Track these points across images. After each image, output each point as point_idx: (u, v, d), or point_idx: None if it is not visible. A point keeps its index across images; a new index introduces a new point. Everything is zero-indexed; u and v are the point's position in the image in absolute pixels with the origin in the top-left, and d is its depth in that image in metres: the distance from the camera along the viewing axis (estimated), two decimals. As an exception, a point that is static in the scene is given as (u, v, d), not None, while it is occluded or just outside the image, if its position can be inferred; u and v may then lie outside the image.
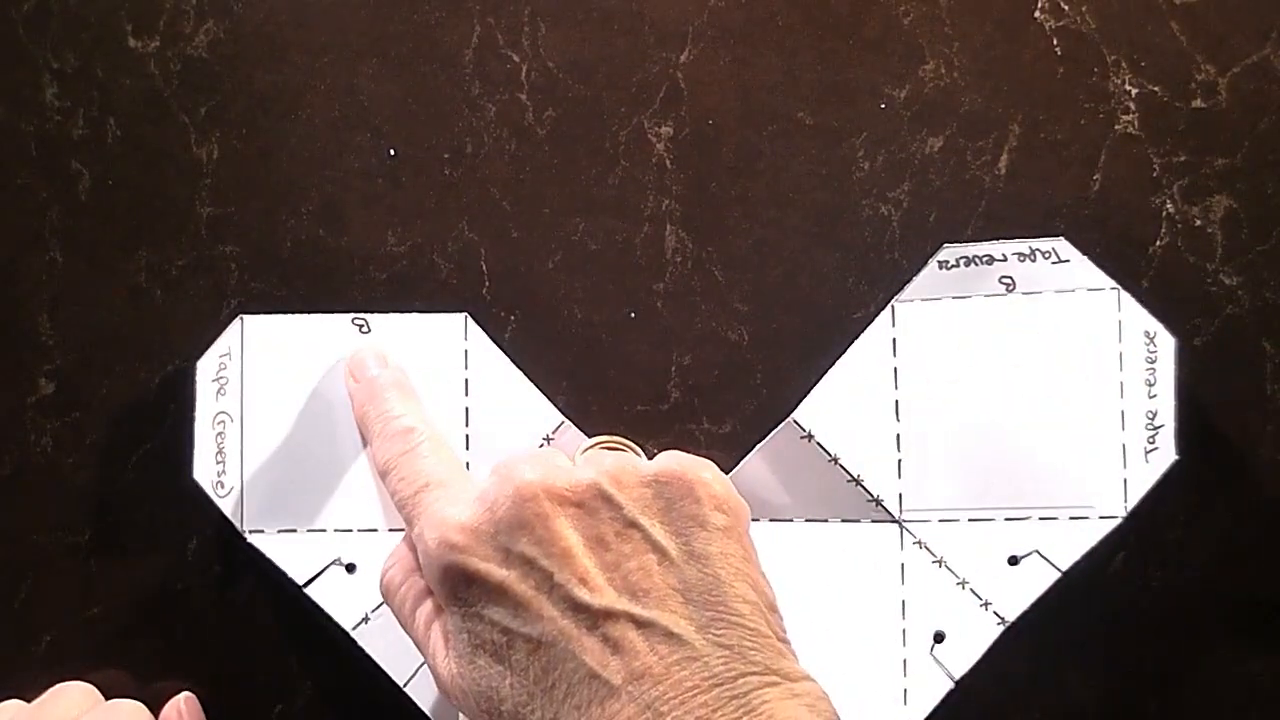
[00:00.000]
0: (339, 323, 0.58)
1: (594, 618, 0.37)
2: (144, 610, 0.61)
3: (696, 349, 0.61)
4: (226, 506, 0.56)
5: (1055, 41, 0.60)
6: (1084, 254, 0.57)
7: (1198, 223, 0.59)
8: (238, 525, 0.56)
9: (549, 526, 0.40)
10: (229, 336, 0.58)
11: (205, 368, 0.57)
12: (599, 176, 0.61)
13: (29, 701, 0.57)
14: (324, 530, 0.57)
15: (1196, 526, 0.59)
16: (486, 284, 0.61)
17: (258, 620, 0.61)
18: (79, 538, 0.61)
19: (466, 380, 0.58)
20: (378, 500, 0.56)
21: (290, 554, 0.57)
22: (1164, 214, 0.59)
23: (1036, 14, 0.60)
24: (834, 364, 0.58)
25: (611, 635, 0.37)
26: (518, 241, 0.61)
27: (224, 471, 0.56)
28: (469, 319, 0.59)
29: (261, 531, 0.57)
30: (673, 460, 0.44)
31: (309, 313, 0.58)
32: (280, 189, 0.62)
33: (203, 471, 0.57)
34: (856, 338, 0.59)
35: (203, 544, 0.61)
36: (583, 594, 0.38)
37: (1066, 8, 0.60)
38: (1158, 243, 0.59)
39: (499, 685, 0.38)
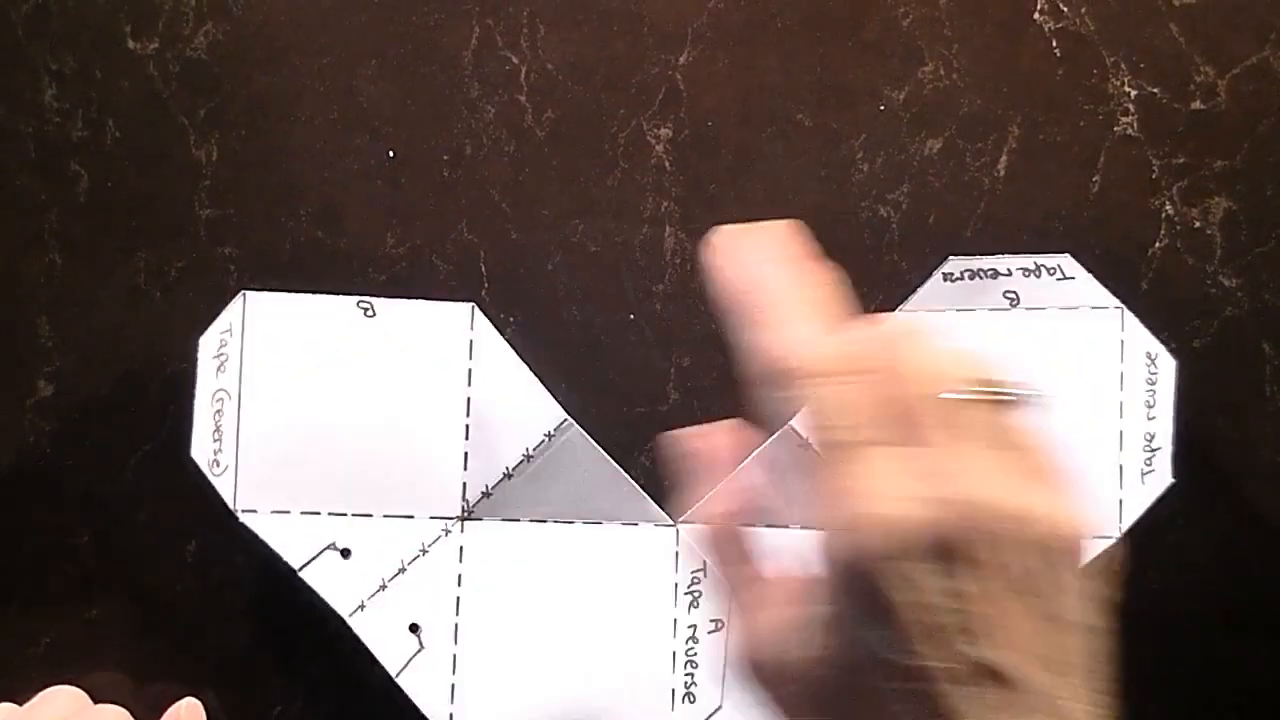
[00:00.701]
0: (343, 304, 0.58)
1: (973, 668, 0.34)
2: (143, 612, 0.61)
3: (696, 350, 0.61)
4: (222, 485, 0.56)
5: (1054, 43, 0.60)
6: (1086, 267, 0.57)
7: (1197, 224, 0.59)
8: (230, 503, 0.56)
9: (966, 568, 0.36)
10: (231, 312, 0.57)
11: (206, 344, 0.56)
12: (598, 178, 0.61)
13: (21, 704, 0.57)
14: (318, 513, 0.56)
15: (1195, 528, 0.59)
16: (485, 285, 0.61)
17: (257, 623, 0.61)
18: (78, 540, 0.61)
19: (470, 370, 0.58)
20: (373, 485, 0.56)
21: (284, 536, 0.56)
22: (1163, 216, 0.59)
23: (1036, 16, 0.60)
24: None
25: None
26: (517, 243, 0.61)
27: (220, 450, 0.56)
28: (475, 309, 0.59)
29: (254, 511, 0.56)
30: (1057, 504, 0.38)
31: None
32: (279, 190, 0.62)
33: (200, 449, 0.56)
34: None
35: (202, 546, 0.61)
36: (961, 641, 0.34)
37: (1066, 9, 0.60)
38: (1157, 245, 0.59)
39: None
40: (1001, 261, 0.56)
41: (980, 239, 0.59)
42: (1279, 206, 0.59)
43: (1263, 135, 0.59)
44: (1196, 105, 0.59)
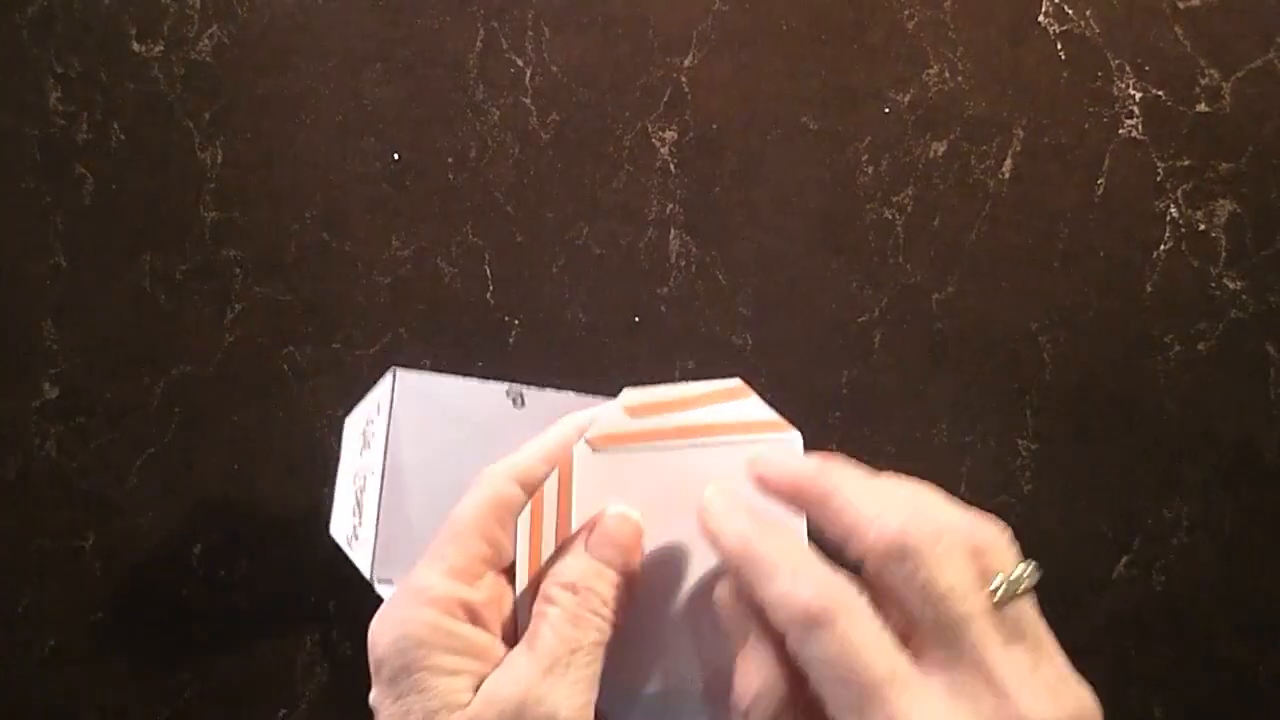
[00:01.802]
0: (492, 390, 0.57)
1: None
2: (148, 615, 0.61)
3: (700, 353, 0.61)
4: (359, 559, 0.56)
5: (1059, 46, 0.60)
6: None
7: (1201, 227, 0.59)
8: (366, 574, 0.56)
9: None
10: (380, 391, 0.57)
11: (352, 424, 0.56)
12: (603, 181, 0.61)
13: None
14: None
15: (1200, 530, 0.59)
16: (490, 288, 0.61)
17: (262, 626, 0.61)
18: (83, 542, 0.61)
19: None
20: None
21: None
22: (1168, 218, 0.59)
23: (1040, 19, 0.60)
24: (837, 370, 0.58)
25: None
26: (521, 245, 0.61)
27: (360, 525, 0.56)
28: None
29: (389, 583, 0.56)
30: (1085, 707, 0.35)
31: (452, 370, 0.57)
32: (284, 193, 0.62)
33: (339, 526, 0.56)
34: (861, 342, 0.59)
35: (207, 549, 0.61)
36: None
37: (1070, 12, 0.60)
38: (1161, 247, 0.59)
39: None
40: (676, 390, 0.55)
41: (985, 242, 0.59)
42: (1284, 209, 0.59)
43: (1267, 138, 0.59)
44: (1201, 108, 0.59)
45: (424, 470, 0.56)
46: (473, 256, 0.61)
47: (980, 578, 0.33)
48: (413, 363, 0.61)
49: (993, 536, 0.34)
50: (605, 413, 0.38)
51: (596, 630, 0.36)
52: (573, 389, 0.56)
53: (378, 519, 0.55)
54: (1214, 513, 0.59)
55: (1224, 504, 0.59)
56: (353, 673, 0.59)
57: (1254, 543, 0.59)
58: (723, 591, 0.36)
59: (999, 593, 0.33)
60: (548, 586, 0.37)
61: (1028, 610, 0.33)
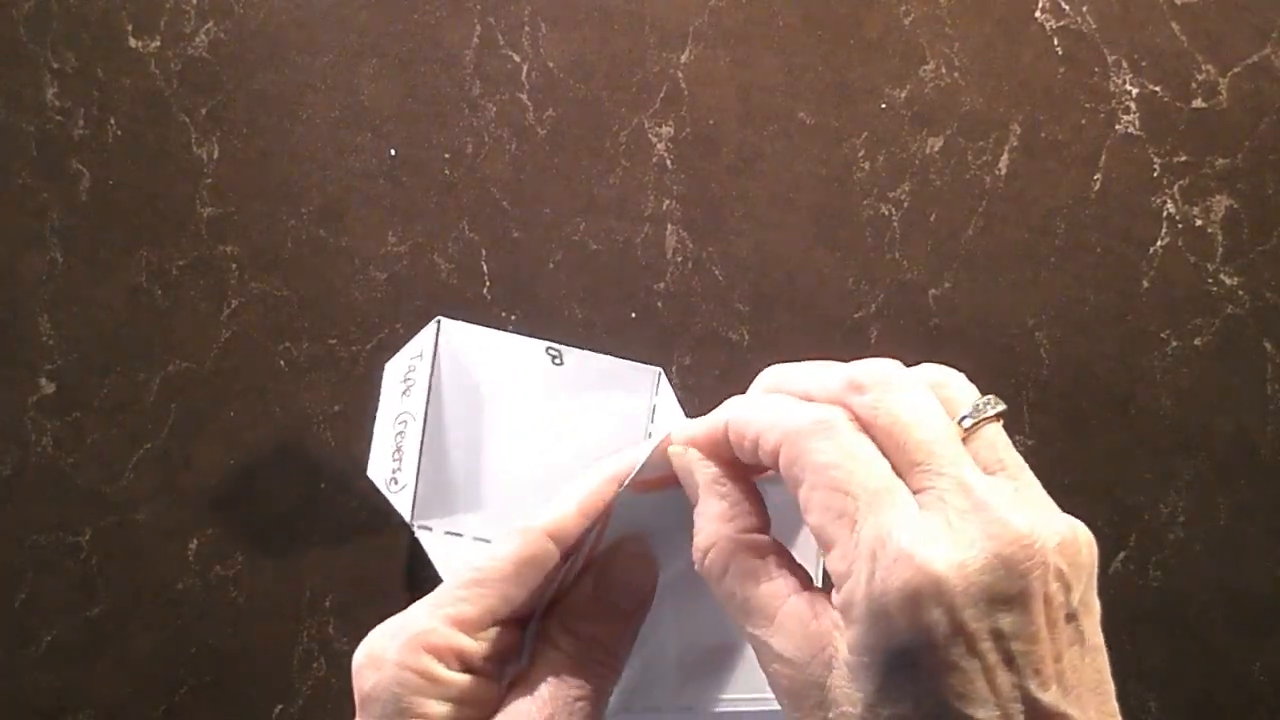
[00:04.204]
0: (533, 346, 0.57)
1: (1039, 714, 0.33)
2: (144, 611, 0.61)
3: (697, 349, 0.61)
4: (400, 503, 0.56)
5: (1056, 42, 0.60)
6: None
7: (1198, 223, 0.59)
8: (407, 518, 0.55)
9: (1030, 605, 0.33)
10: (423, 338, 0.57)
11: (394, 369, 0.56)
12: (599, 176, 0.61)
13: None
14: (489, 542, 0.56)
15: (1197, 527, 0.59)
16: (487, 284, 0.61)
17: (258, 621, 0.61)
18: (79, 538, 0.61)
19: (650, 434, 0.58)
20: None
21: (452, 559, 0.56)
22: (1164, 214, 0.59)
23: (1037, 14, 0.60)
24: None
25: None
26: (518, 241, 0.61)
27: (399, 469, 0.56)
28: (662, 375, 0.58)
29: (430, 529, 0.56)
30: (1077, 527, 0.36)
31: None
32: (281, 189, 0.62)
33: (377, 469, 0.56)
34: (857, 337, 0.59)
35: (203, 545, 0.61)
36: (1034, 685, 0.33)
37: (1067, 8, 0.60)
38: (1158, 243, 0.59)
39: None
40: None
41: (981, 237, 0.59)
42: (1280, 205, 0.59)
43: (1264, 133, 0.59)
44: (1198, 103, 0.59)
45: (464, 418, 0.56)
46: (469, 252, 0.61)
47: (943, 405, 0.32)
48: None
49: (947, 371, 0.34)
50: (645, 456, 0.37)
51: (599, 677, 0.35)
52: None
53: (419, 464, 0.55)
54: (1210, 508, 0.59)
55: (1220, 500, 0.59)
56: (350, 668, 0.59)
57: (1250, 538, 0.59)
58: (676, 451, 0.36)
59: (967, 420, 0.32)
60: (552, 628, 0.36)
61: (1000, 437, 0.33)
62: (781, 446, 0.33)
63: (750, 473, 0.37)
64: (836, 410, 0.33)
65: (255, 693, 0.61)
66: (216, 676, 0.61)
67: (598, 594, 0.37)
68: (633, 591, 0.38)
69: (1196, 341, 0.59)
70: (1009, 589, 0.31)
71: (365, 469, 0.54)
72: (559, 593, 0.37)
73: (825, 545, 0.32)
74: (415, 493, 0.55)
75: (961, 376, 0.34)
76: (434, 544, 0.56)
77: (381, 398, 0.55)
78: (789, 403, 0.35)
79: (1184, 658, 0.59)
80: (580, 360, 0.56)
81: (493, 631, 0.35)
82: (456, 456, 0.56)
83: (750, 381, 0.56)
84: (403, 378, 0.55)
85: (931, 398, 0.33)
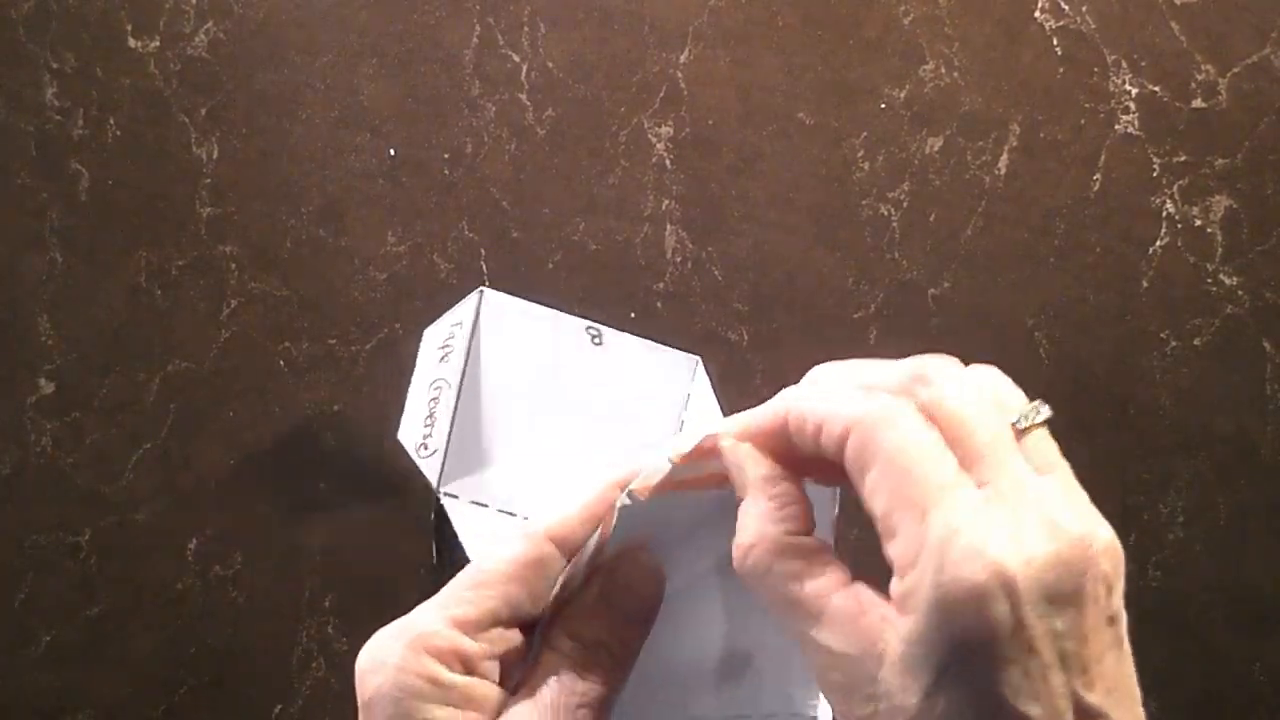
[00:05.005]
0: (573, 324, 0.57)
1: (1085, 714, 0.33)
2: (143, 610, 0.61)
3: (696, 349, 0.61)
4: (428, 468, 0.55)
5: (1055, 42, 0.60)
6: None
7: (1198, 223, 0.59)
8: (434, 483, 0.55)
9: (1085, 606, 0.33)
10: (465, 307, 0.56)
11: (432, 335, 0.56)
12: (599, 176, 0.61)
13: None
14: (514, 515, 0.55)
15: (1196, 526, 0.59)
16: (486, 283, 0.61)
17: (257, 621, 0.61)
18: (79, 537, 0.61)
19: (683, 422, 0.58)
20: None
21: (476, 528, 0.55)
22: (1164, 214, 0.59)
23: (1036, 14, 0.60)
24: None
25: None
26: (518, 241, 0.61)
27: (430, 434, 0.55)
28: (700, 363, 0.58)
29: (455, 497, 0.55)
30: (1113, 533, 0.35)
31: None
32: (280, 189, 0.62)
33: (408, 433, 0.55)
34: (857, 337, 0.59)
35: (202, 544, 0.61)
36: (1080, 685, 0.33)
37: (1066, 8, 0.60)
38: (1158, 243, 0.59)
39: None
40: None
41: (981, 237, 0.59)
42: (1279, 204, 0.59)
43: (1263, 134, 0.59)
44: (1197, 103, 0.59)
45: (499, 390, 0.55)
46: (469, 252, 0.61)
47: (997, 408, 0.33)
48: (410, 359, 0.61)
49: (997, 374, 0.34)
50: (649, 462, 0.37)
51: (603, 684, 0.35)
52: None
53: (450, 431, 0.54)
54: (1210, 508, 0.59)
55: (1220, 500, 0.59)
56: (349, 668, 0.59)
57: (1250, 538, 0.59)
58: (728, 445, 0.36)
59: (1021, 423, 0.33)
60: (556, 635, 0.36)
61: (1047, 441, 0.33)
62: (851, 432, 0.33)
63: (801, 471, 0.37)
64: (904, 400, 0.34)
65: (255, 693, 0.61)
66: (216, 676, 0.61)
67: (604, 600, 0.37)
68: (639, 599, 0.38)
69: (1196, 341, 0.59)
70: (1067, 588, 0.32)
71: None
72: (565, 599, 0.37)
73: (888, 533, 0.32)
74: (444, 459, 0.54)
75: (1009, 380, 0.35)
76: (459, 512, 0.55)
77: (418, 363, 0.55)
78: (854, 392, 0.35)
79: (1184, 658, 0.59)
80: (619, 342, 0.56)
81: (495, 633, 0.35)
82: (488, 426, 0.55)
83: (750, 381, 0.57)
84: (441, 344, 0.55)
85: (984, 397, 0.33)
